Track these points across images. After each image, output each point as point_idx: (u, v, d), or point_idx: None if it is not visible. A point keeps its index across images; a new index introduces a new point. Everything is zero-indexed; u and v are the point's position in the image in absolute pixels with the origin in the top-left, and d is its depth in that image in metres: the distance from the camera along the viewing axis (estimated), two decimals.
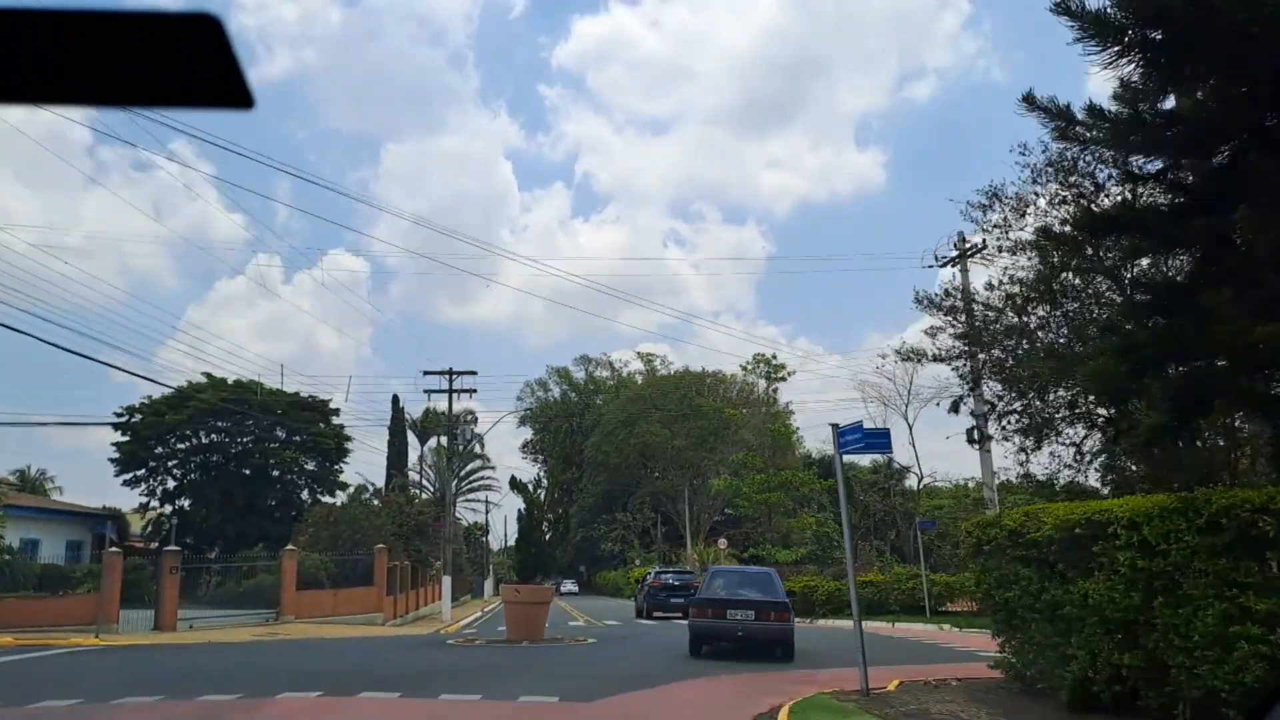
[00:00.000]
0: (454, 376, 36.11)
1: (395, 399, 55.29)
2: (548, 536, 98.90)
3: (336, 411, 43.97)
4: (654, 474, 73.29)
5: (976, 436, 25.94)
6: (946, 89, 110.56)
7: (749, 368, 51.23)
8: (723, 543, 45.71)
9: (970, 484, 36.30)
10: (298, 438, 42.60)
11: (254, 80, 0.80)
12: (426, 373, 36.55)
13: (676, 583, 30.97)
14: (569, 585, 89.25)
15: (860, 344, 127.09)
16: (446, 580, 35.22)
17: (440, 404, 37.68)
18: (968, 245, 26.47)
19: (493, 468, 67.14)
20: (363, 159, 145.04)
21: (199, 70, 0.75)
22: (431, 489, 59.32)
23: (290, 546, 28.39)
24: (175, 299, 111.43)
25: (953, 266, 27.52)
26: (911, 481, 65.58)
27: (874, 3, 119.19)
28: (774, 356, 51.52)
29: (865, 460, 73.12)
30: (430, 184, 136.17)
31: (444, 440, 62.90)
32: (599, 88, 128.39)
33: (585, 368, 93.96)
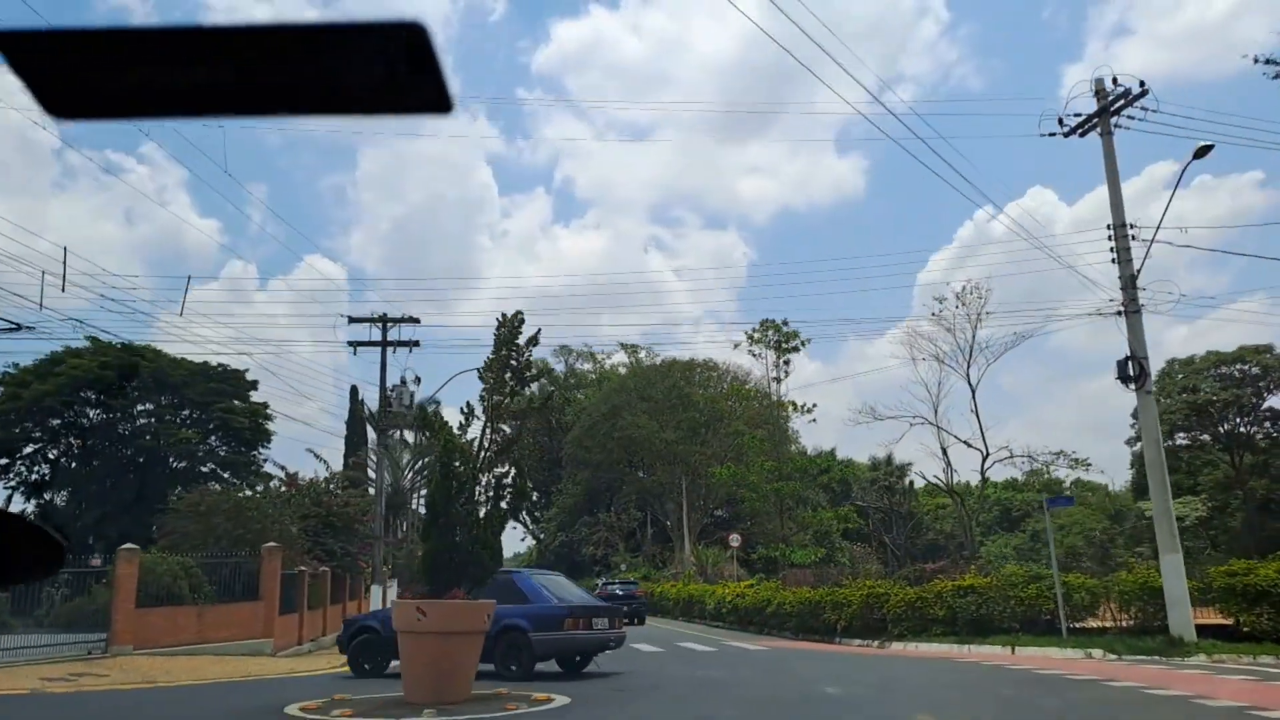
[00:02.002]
0: (389, 325, 27.15)
1: (354, 390, 46.26)
2: (525, 540, 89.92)
3: (254, 385, 34.74)
4: (640, 470, 64.80)
5: (1133, 371, 17.23)
6: (925, 96, 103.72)
7: (755, 335, 42.60)
8: (735, 539, 36.83)
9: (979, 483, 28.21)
10: (200, 414, 33.34)
11: (133, 6, 0.49)
12: (353, 320, 27.51)
13: (621, 593, 33.17)
14: None
15: (842, 352, 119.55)
16: (375, 592, 26.23)
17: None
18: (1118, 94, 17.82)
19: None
20: (338, 164, 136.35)
21: (406, 77, 0.75)
22: (390, 486, 50.05)
23: (128, 545, 19.23)
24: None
25: (1082, 134, 18.86)
26: (914, 479, 57.22)
27: (853, 11, 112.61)
28: (785, 323, 42.87)
29: (863, 456, 65.32)
30: (407, 189, 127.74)
31: (407, 434, 54.39)
32: (579, 92, 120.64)
33: (565, 359, 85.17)
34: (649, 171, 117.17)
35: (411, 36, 0.72)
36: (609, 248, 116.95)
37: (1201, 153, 16.57)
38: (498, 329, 11.62)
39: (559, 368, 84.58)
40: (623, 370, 76.11)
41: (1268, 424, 51.26)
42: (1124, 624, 18.04)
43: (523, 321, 11.55)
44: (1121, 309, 17.78)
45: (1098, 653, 16.68)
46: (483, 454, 11.21)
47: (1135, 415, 55.79)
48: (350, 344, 26.61)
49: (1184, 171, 17.08)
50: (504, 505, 11.42)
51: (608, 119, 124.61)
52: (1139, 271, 17.73)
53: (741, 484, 43.44)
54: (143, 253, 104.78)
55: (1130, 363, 17.48)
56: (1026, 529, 66.11)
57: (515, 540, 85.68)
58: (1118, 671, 13.81)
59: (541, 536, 79.40)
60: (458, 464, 10.75)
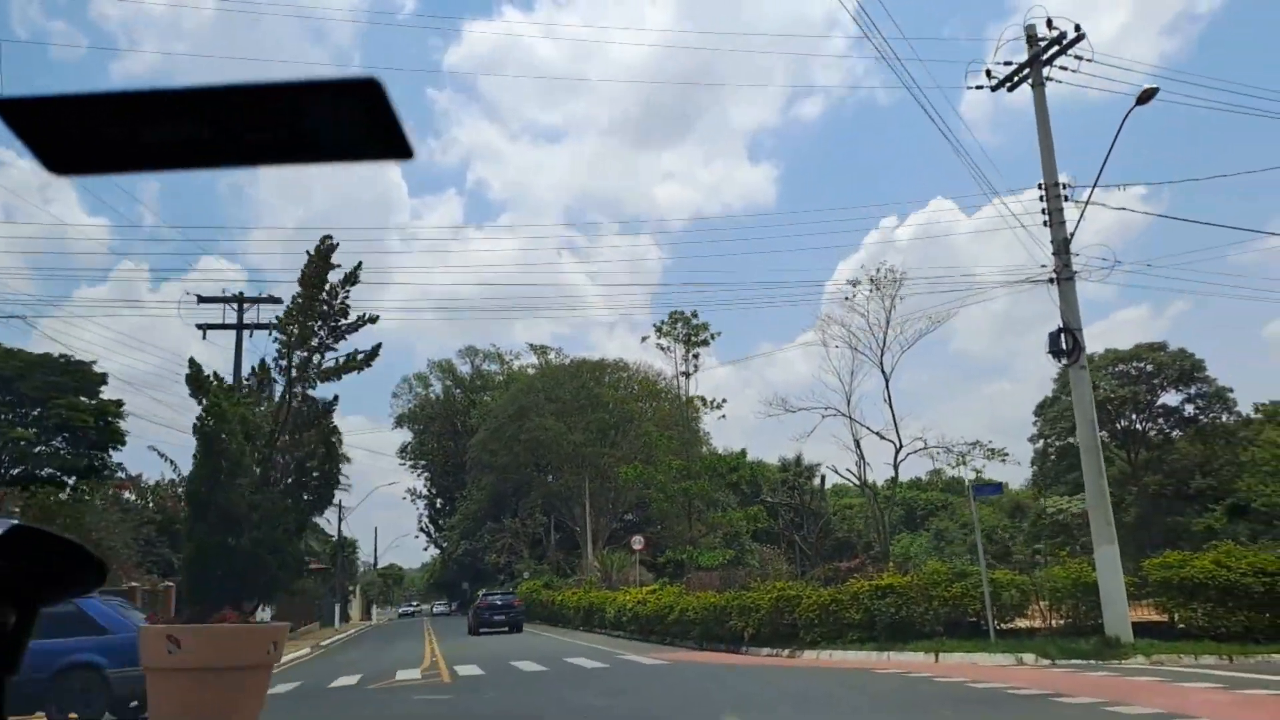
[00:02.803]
0: (245, 306, 23.70)
1: (193, 375, 41.78)
2: (427, 550, 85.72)
3: (103, 379, 30.60)
4: (548, 474, 62.04)
5: (1066, 345, 15.38)
6: (834, 108, 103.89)
7: (664, 327, 40.20)
8: (637, 542, 34.33)
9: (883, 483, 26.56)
10: (39, 411, 29.15)
11: (116, 76, 0.59)
12: (204, 299, 23.91)
13: (500, 603, 34.24)
14: (440, 606, 76.82)
15: (753, 350, 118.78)
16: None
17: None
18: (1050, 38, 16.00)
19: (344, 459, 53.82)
20: None
21: (364, 128, 0.80)
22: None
23: None
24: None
25: (1011, 87, 17.02)
26: (824, 475, 55.96)
27: (765, 21, 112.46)
28: (694, 314, 40.56)
29: (775, 458, 63.84)
30: (313, 189, 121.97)
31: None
32: (492, 94, 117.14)
33: (471, 361, 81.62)
34: (563, 175, 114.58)
35: (368, 91, 0.77)
36: (522, 251, 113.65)
37: (1145, 97, 14.88)
38: (306, 265, 8.79)
39: (464, 369, 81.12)
40: (531, 372, 73.09)
41: (1161, 420, 51.57)
42: (1055, 624, 16.19)
43: (333, 249, 8.76)
44: (1054, 275, 15.96)
45: (1029, 657, 14.72)
46: (276, 427, 8.35)
47: (1039, 412, 55.88)
48: (200, 327, 23.07)
49: (1125, 120, 15.37)
50: (308, 496, 8.54)
51: (522, 121, 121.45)
52: (1072, 235, 15.95)
53: (649, 484, 41.03)
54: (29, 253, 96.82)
55: (1063, 335, 15.67)
56: (931, 528, 65.67)
57: (418, 551, 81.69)
58: (1059, 681, 11.77)
59: (444, 546, 75.68)
60: (225, 438, 7.89)
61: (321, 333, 16.72)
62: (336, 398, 22.71)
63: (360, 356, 20.98)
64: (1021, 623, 16.56)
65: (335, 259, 20.02)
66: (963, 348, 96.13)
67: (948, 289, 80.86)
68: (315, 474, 9.57)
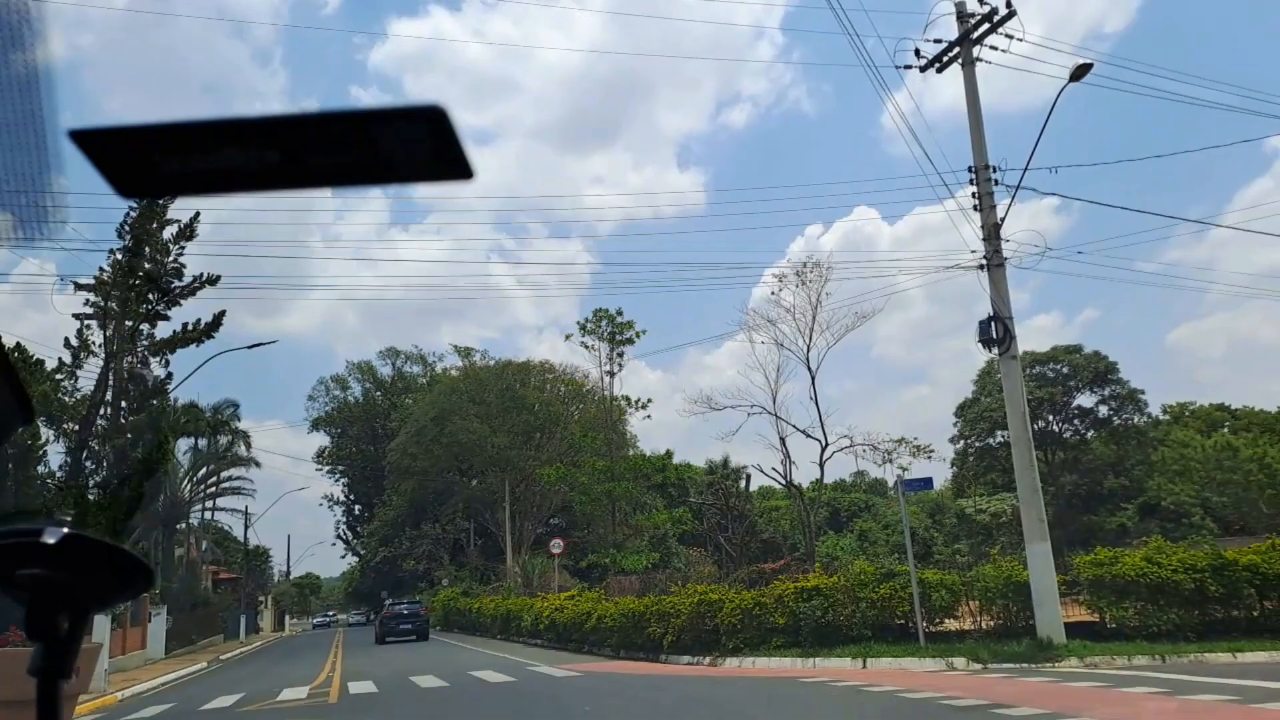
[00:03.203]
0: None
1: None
2: (345, 557, 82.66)
3: None
4: (470, 478, 60.14)
5: (996, 333, 14.62)
6: (761, 116, 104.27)
7: (588, 325, 38.93)
8: (556, 546, 32.91)
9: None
10: None
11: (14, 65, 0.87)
12: (80, 287, 21.70)
13: (407, 612, 33.74)
14: (356, 616, 74.32)
15: (681, 361, 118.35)
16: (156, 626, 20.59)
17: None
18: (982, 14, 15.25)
19: (250, 463, 51.26)
20: None
21: (429, 152, 0.83)
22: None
23: None
24: None
25: (941, 68, 16.26)
26: (750, 473, 55.56)
27: (693, 28, 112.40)
28: (619, 312, 39.38)
29: (700, 460, 63.16)
30: None
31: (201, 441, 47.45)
32: (418, 93, 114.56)
33: (393, 362, 78.91)
34: (492, 178, 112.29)
35: (434, 117, 0.80)
36: (451, 254, 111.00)
37: (1079, 73, 14.21)
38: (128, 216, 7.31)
39: (386, 371, 78.44)
40: (455, 374, 70.96)
41: (1076, 421, 52.33)
42: (986, 625, 15.41)
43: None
44: (984, 261, 15.21)
45: (961, 662, 13.88)
46: (91, 409, 6.84)
47: (959, 414, 56.24)
48: (77, 317, 20.89)
49: (1058, 97, 14.69)
50: (128, 490, 7.06)
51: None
52: (1003, 220, 15.22)
53: (571, 486, 39.72)
54: None
55: (994, 324, 14.90)
56: (855, 529, 65.69)
57: (334, 559, 78.68)
58: (996, 689, 10.88)
59: (363, 553, 72.90)
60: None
61: (153, 298, 14.95)
62: (170, 375, 20.38)
63: (200, 326, 18.81)
64: (951, 625, 15.76)
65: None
66: (885, 353, 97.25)
67: (876, 274, 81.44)
68: (135, 468, 8.28)
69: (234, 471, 49.84)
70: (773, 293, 26.12)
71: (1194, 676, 11.32)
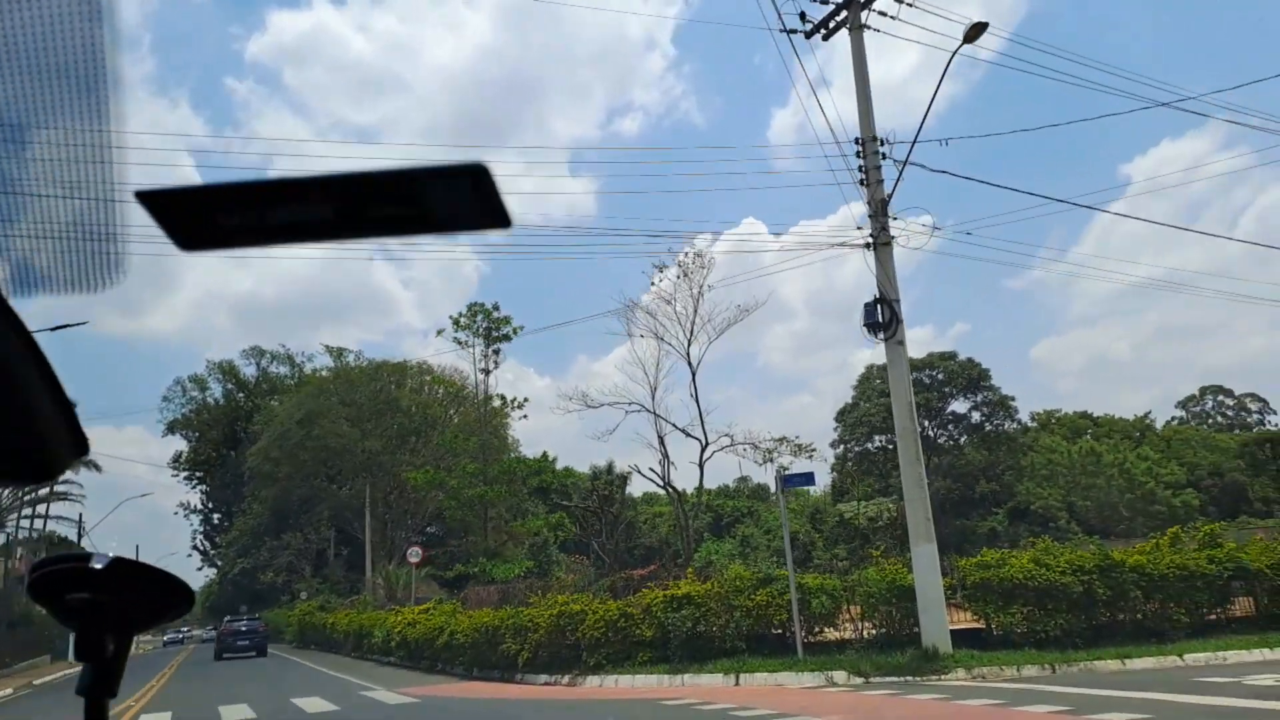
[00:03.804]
0: None
1: None
2: (202, 570, 77.05)
3: None
4: (338, 485, 56.64)
5: (882, 316, 13.39)
6: (652, 126, 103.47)
7: (463, 320, 36.61)
8: (413, 554, 30.40)
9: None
10: None
11: None
12: None
13: (245, 628, 33.35)
14: (212, 631, 69.34)
15: (570, 369, 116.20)
16: None
17: None
18: None
19: (79, 465, 46.43)
20: None
21: (473, 205, 0.88)
22: None
23: None
24: None
25: (827, 34, 14.99)
26: (633, 487, 54.49)
27: (585, 35, 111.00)
28: (495, 307, 37.21)
29: (584, 465, 61.41)
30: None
31: None
32: (299, 88, 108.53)
33: (257, 362, 73.99)
34: None
35: (478, 174, 0.85)
36: (331, 255, 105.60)
37: (973, 34, 13.14)
38: None
39: (249, 371, 73.50)
40: (325, 375, 66.97)
41: (951, 427, 52.99)
42: (868, 634, 14.10)
43: None
44: (870, 239, 13.96)
45: (841, 676, 12.48)
46: None
47: (839, 418, 56.25)
48: None
49: (950, 60, 13.62)
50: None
51: (331, 118, 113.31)
52: (890, 196, 14.02)
53: (441, 489, 37.26)
54: None
55: (879, 306, 13.65)
56: (737, 534, 65.09)
57: (191, 572, 72.97)
58: (880, 711, 9.45)
59: (220, 564, 67.86)
60: None
61: None
62: None
63: None
64: (831, 634, 14.39)
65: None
66: (770, 362, 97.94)
67: (762, 271, 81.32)
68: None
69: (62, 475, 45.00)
70: (653, 283, 24.65)
71: (1089, 690, 10.20)
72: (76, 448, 1.03)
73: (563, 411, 25.87)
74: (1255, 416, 67.26)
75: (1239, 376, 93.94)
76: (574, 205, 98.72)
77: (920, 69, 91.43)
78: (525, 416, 41.23)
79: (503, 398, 39.79)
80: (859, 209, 14.74)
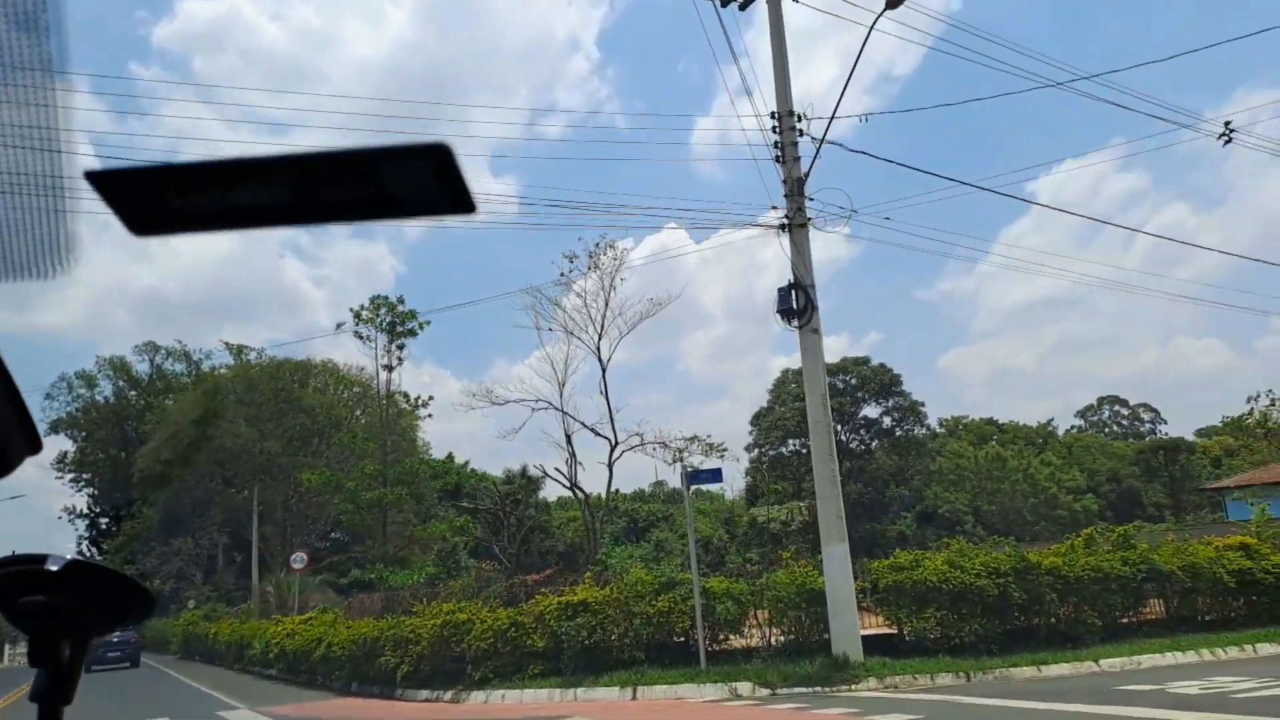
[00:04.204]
0: None
1: None
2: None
3: None
4: (235, 488, 53.76)
5: (797, 303, 12.50)
6: (576, 128, 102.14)
7: (365, 313, 34.63)
8: (297, 560, 28.43)
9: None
10: None
11: None
12: None
13: (117, 639, 31.99)
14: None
15: (486, 373, 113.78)
16: None
17: None
18: None
19: None
20: None
21: (434, 187, 0.84)
22: None
23: None
24: None
25: (743, 4, 14.02)
26: (549, 492, 53.22)
27: (509, 34, 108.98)
28: (400, 300, 35.34)
29: (498, 469, 59.75)
30: None
31: None
32: (209, 76, 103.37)
33: (150, 358, 69.89)
34: None
35: (439, 155, 0.81)
36: (238, 251, 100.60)
37: (895, 1, 12.33)
38: None
39: (142, 368, 69.36)
40: (224, 373, 63.60)
41: (863, 431, 53.10)
42: (777, 641, 13.13)
43: None
44: (785, 220, 13.04)
45: (746, 688, 11.47)
46: None
47: (755, 422, 55.88)
48: None
49: (871, 29, 12.79)
50: None
51: (243, 109, 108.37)
52: (807, 175, 13.13)
53: (337, 490, 35.22)
54: None
55: (794, 292, 12.73)
56: (652, 539, 64.18)
57: None
58: None
59: None
60: None
61: None
62: None
63: None
64: (737, 641, 13.37)
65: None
66: (690, 368, 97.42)
67: (682, 245, 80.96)
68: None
69: None
70: (562, 273, 23.44)
71: (1009, 701, 9.40)
72: (30, 444, 1.00)
73: (466, 409, 24.46)
74: (1148, 426, 69.63)
75: (1133, 387, 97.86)
76: (494, 206, 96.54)
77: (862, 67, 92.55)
78: (430, 415, 39.43)
79: (406, 395, 37.95)
80: (777, 214, 13.81)
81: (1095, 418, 72.59)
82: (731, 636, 13.32)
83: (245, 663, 24.79)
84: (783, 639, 13.19)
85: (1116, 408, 72.53)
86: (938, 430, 57.99)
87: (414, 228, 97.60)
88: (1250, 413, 16.64)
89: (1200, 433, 59.33)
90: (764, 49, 13.76)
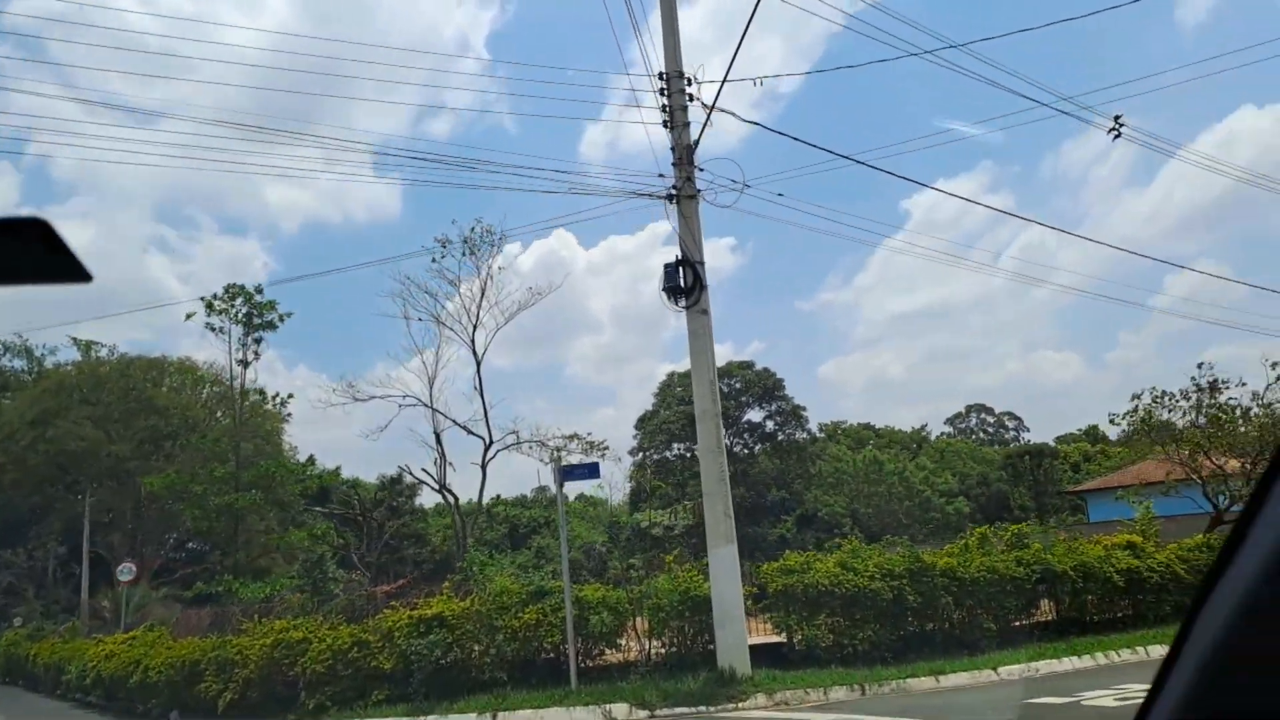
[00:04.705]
0: None
1: None
2: None
3: None
4: (78, 494, 49.03)
5: (685, 280, 11.17)
6: (464, 129, 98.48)
7: (218, 303, 31.51)
8: (125, 572, 25.47)
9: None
10: None
11: None
12: None
13: None
14: None
15: (366, 374, 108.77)
16: None
17: None
18: None
19: None
20: None
21: (36, 257, 0.82)
22: None
23: None
24: None
25: None
26: (428, 499, 50.61)
27: (394, 30, 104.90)
28: (259, 289, 32.42)
29: (371, 475, 56.79)
30: None
31: None
32: (65, 58, 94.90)
33: None
34: (156, 161, 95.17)
35: (40, 227, 0.80)
36: (98, 244, 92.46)
37: None
38: None
39: None
40: (69, 370, 58.13)
41: (746, 435, 52.78)
42: (657, 654, 11.74)
43: None
44: (673, 190, 11.72)
45: (622, 709, 10.02)
46: None
47: (639, 425, 54.76)
48: None
49: None
50: None
51: (104, 94, 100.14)
52: (697, 142, 11.86)
53: (184, 495, 32.03)
54: None
55: (681, 269, 11.41)
56: (533, 545, 62.18)
57: None
58: None
59: None
60: None
61: None
62: None
63: None
64: (614, 656, 11.91)
65: None
66: (576, 374, 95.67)
67: (561, 193, 79.11)
68: None
69: None
70: (434, 259, 21.59)
71: None
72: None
73: (326, 406, 22.25)
74: (1013, 433, 72.28)
75: (997, 396, 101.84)
76: (378, 205, 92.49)
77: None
78: (290, 415, 36.55)
79: (263, 393, 34.97)
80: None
81: (964, 425, 74.90)
82: (607, 650, 11.85)
83: (65, 688, 21.76)
84: (664, 651, 11.82)
85: (983, 415, 75.05)
86: (818, 435, 58.34)
87: (290, 224, 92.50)
88: (1134, 409, 16.64)
89: (1060, 439, 61.79)
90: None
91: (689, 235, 11.53)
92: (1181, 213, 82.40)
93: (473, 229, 21.50)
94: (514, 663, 11.39)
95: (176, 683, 13.29)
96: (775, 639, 12.11)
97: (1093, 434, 67.93)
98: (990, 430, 73.98)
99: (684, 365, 57.06)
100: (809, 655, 11.53)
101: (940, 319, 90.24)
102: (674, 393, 52.00)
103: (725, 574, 10.99)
